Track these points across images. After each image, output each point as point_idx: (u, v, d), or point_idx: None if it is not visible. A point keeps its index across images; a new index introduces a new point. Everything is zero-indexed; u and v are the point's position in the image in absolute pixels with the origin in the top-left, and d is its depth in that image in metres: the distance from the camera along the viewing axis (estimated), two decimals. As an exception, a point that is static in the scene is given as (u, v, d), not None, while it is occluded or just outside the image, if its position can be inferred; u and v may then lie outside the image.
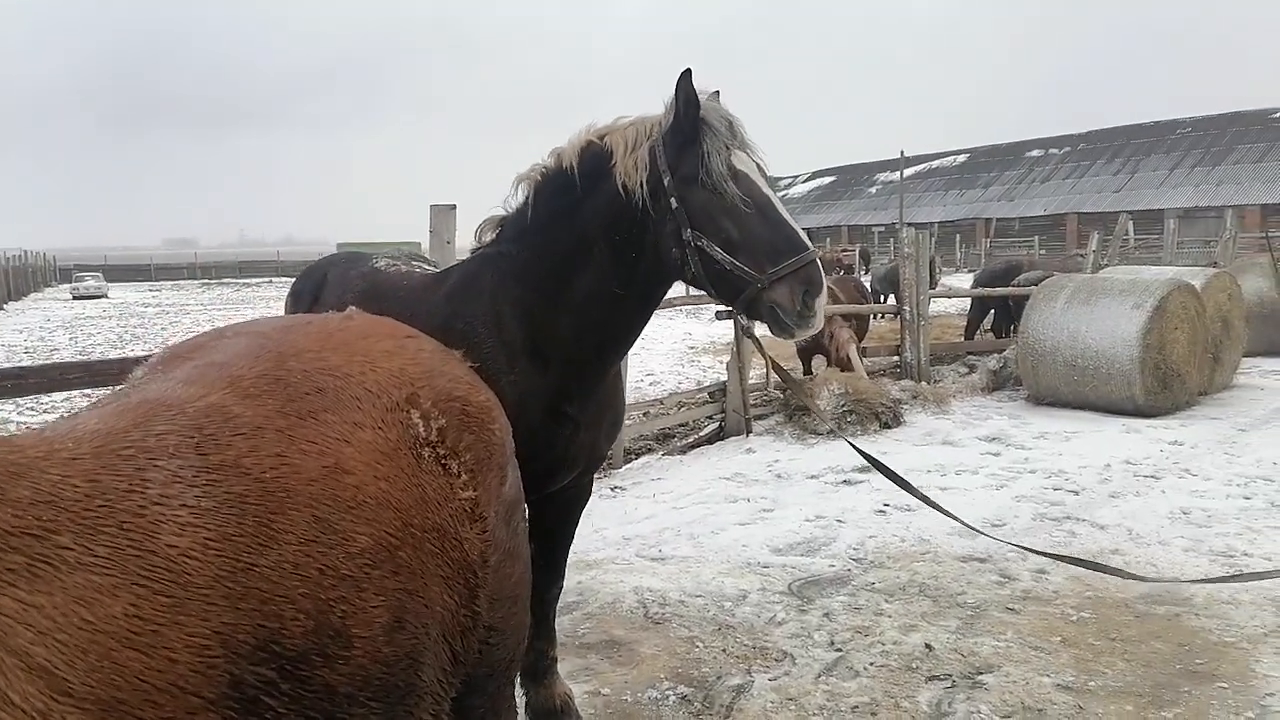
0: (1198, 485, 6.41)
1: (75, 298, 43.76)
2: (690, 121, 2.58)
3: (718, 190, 2.53)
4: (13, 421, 10.89)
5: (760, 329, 2.88)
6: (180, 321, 27.68)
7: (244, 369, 1.58)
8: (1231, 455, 7.26)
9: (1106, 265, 14.01)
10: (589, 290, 2.76)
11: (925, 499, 3.29)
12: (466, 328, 2.81)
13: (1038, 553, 3.44)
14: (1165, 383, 8.93)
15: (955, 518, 3.52)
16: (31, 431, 1.33)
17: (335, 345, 1.72)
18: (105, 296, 44.24)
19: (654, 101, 2.76)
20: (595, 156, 2.71)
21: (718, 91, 2.92)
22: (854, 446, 3.41)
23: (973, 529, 3.54)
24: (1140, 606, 4.35)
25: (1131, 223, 28.37)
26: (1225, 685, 3.57)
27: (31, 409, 11.45)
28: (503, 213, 3.06)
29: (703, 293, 2.79)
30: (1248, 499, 6.03)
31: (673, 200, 2.56)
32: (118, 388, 1.65)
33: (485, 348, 2.78)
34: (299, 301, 3.66)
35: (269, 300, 38.47)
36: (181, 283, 63.80)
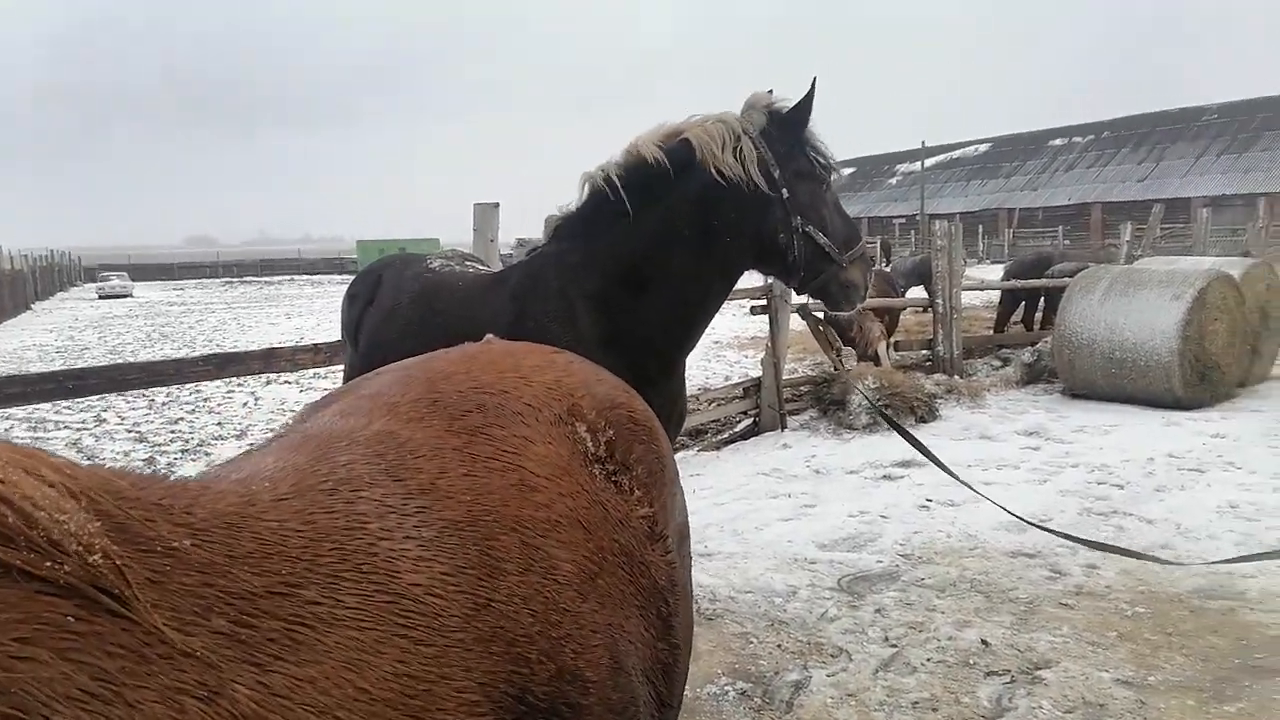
0: (1243, 478, 6.35)
1: (101, 297, 44.26)
2: (803, 124, 2.85)
3: (824, 185, 2.87)
4: (50, 421, 11.04)
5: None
6: (206, 320, 27.94)
7: (397, 396, 1.44)
8: (1276, 448, 7.18)
9: (1140, 256, 13.87)
10: (675, 275, 2.84)
11: (978, 492, 3.31)
12: (537, 325, 2.83)
13: (1089, 543, 3.43)
14: (1204, 375, 8.84)
15: (1008, 510, 3.53)
16: (201, 480, 1.16)
17: (482, 365, 1.61)
18: (131, 295, 44.74)
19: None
20: (678, 150, 2.80)
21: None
22: (905, 435, 3.41)
23: (1027, 522, 3.55)
24: (1195, 601, 4.32)
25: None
26: (1289, 681, 3.54)
27: (68, 408, 11.60)
28: (558, 212, 3.09)
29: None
30: (1296, 492, 5.96)
31: (784, 191, 2.79)
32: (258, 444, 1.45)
33: (560, 345, 2.81)
34: (354, 303, 3.69)
35: (292, 298, 38.74)
36: (205, 281, 64.41)
